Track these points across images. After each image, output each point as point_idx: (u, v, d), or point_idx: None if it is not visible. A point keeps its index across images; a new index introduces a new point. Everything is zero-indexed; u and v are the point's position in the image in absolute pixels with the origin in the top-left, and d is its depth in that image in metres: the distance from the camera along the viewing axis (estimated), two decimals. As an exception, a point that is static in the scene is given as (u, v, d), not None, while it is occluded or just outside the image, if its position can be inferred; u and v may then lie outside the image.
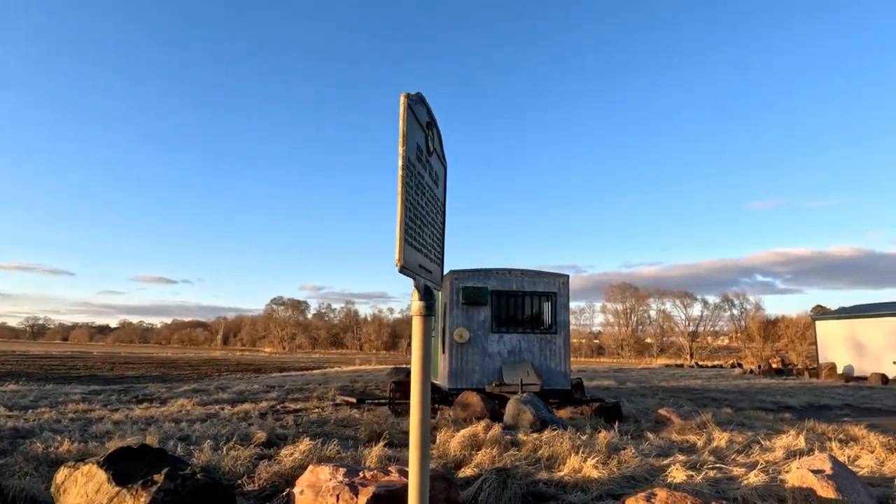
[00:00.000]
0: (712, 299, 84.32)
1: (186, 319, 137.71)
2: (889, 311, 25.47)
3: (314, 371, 29.42)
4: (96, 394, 13.81)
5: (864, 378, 23.90)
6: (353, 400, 12.42)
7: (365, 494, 3.27)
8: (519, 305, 10.89)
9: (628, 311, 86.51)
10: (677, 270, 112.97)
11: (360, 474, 3.55)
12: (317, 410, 11.17)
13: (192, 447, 6.66)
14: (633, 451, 5.98)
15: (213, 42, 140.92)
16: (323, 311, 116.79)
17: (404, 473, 3.59)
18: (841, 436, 8.47)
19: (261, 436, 7.16)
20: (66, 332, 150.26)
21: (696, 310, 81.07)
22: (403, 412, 11.10)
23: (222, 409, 11.10)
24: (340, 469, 3.59)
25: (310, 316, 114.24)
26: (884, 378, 22.28)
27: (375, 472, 3.59)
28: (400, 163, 2.63)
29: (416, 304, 2.95)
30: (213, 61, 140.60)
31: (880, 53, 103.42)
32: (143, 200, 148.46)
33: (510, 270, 10.99)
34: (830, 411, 12.74)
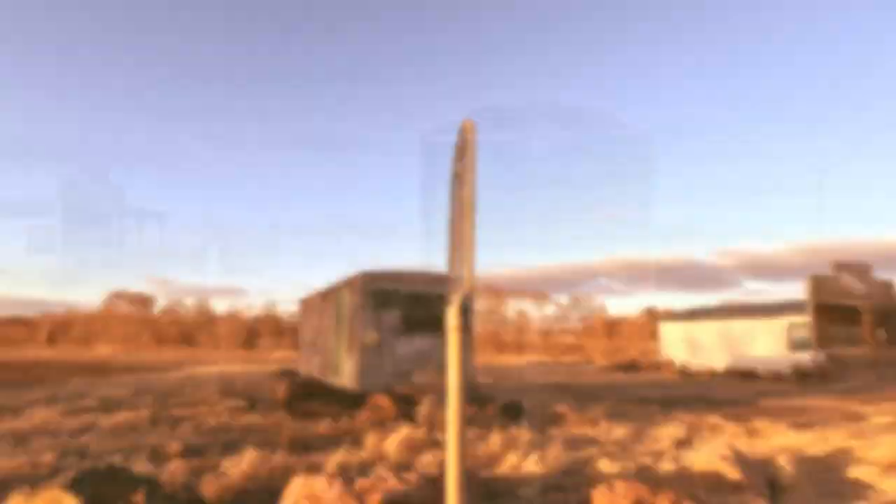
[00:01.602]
0: (564, 300, 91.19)
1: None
2: (717, 315, 29.59)
3: (174, 373, 27.20)
4: (-80, 405, 11.72)
5: (700, 373, 27.49)
6: (244, 404, 11.87)
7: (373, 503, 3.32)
8: (428, 308, 11.14)
9: (490, 309, 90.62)
10: (533, 272, 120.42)
11: (359, 483, 3.58)
12: (211, 417, 10.52)
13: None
14: (560, 446, 6.51)
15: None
16: (173, 306, 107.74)
17: (401, 479, 3.68)
18: (706, 424, 9.80)
19: (175, 447, 6.68)
20: None
21: (550, 309, 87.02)
22: (303, 416, 10.82)
23: (98, 418, 10.04)
24: (337, 479, 3.59)
25: (156, 312, 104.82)
26: (713, 372, 25.82)
27: (373, 479, 3.63)
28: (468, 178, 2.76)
29: (455, 320, 3.10)
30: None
31: (723, 79, 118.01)
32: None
33: (420, 273, 11.20)
34: (684, 403, 14.57)
